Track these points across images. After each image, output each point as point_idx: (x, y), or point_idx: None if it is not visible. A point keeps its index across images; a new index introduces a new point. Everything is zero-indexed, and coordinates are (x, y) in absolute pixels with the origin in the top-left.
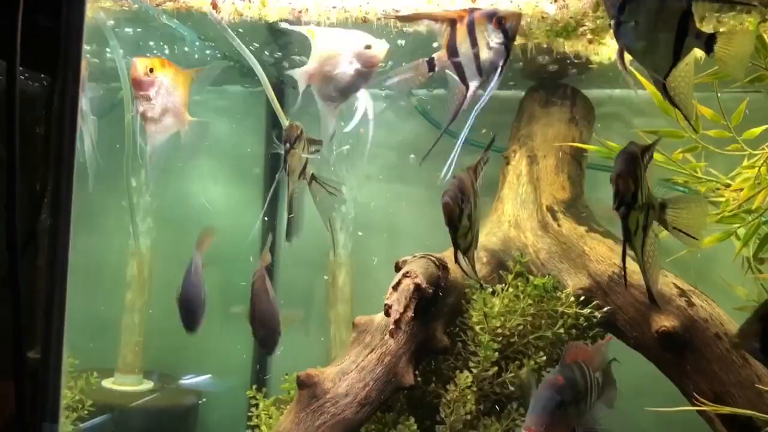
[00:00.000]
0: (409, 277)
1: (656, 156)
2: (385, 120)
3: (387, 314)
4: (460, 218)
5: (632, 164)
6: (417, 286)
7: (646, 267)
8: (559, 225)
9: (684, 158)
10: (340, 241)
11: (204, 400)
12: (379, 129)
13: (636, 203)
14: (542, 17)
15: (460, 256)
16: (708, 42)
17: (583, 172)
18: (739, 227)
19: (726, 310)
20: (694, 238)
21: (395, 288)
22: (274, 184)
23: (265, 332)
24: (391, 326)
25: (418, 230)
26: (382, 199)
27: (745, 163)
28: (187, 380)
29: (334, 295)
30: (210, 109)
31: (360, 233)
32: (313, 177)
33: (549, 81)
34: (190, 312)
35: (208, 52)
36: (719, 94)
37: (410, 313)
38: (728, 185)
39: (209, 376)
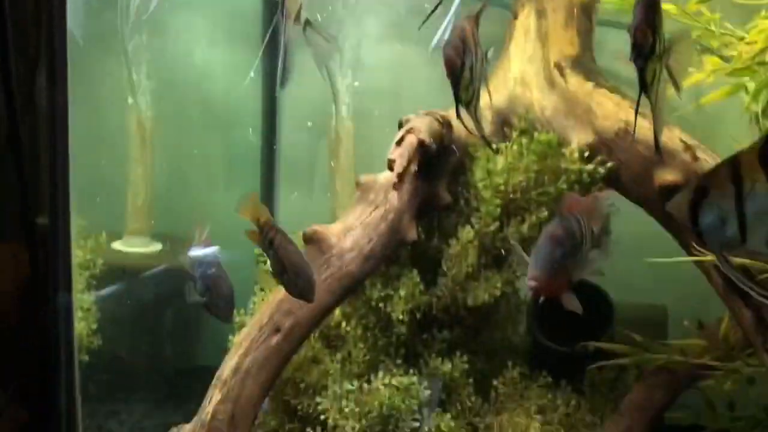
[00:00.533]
0: (412, 132)
1: (669, 7)
2: None
3: (390, 168)
4: (461, 70)
5: (651, 14)
6: (421, 142)
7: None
8: (566, 81)
9: (698, 11)
10: (342, 102)
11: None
12: None
13: (654, 54)
14: None
15: (461, 110)
16: None
17: (593, 26)
18: (749, 80)
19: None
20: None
21: (399, 143)
22: (271, 26)
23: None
24: (395, 180)
25: (421, 91)
26: (385, 59)
27: (763, 13)
28: (195, 253)
29: (336, 155)
30: None
31: (360, 93)
32: (307, 22)
33: None
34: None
35: None
36: None
37: (414, 168)
38: (743, 38)
39: (216, 248)
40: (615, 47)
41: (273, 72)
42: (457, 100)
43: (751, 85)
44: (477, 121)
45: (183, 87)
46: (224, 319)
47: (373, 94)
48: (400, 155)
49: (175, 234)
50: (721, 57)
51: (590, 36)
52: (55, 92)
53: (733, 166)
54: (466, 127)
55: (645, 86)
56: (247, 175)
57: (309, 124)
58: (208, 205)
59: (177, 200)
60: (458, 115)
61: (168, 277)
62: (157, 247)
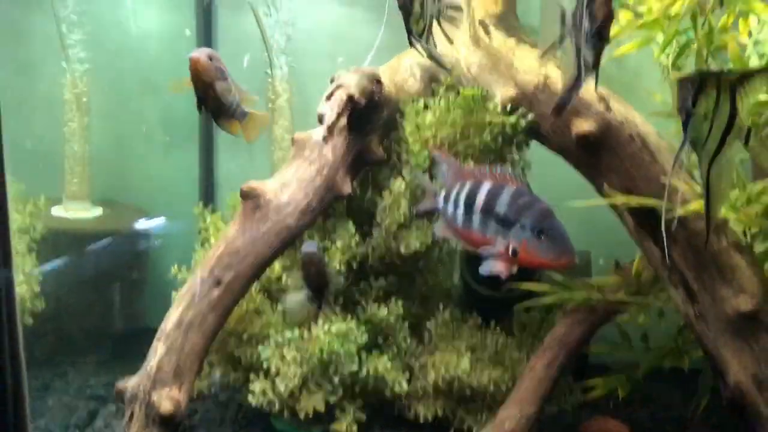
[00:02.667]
0: (342, 87)
1: None
2: None
3: (320, 122)
4: (412, 2)
5: None
6: (350, 97)
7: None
8: (490, 38)
9: None
10: (276, 63)
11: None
12: None
13: None
14: None
15: (415, 41)
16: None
17: None
18: (658, 33)
19: (645, 114)
20: None
21: (328, 98)
22: None
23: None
24: (324, 133)
25: (359, 52)
26: (322, 20)
27: None
28: (141, 223)
29: (274, 115)
30: None
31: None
32: None
33: None
34: None
35: None
36: None
37: (343, 121)
38: None
39: (162, 218)
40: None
41: (207, 34)
42: (409, 32)
43: (660, 38)
44: (430, 50)
45: (119, 51)
46: None
47: (310, 54)
48: (330, 109)
49: (115, 199)
50: (635, 12)
51: None
52: None
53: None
54: (422, 53)
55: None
56: (186, 138)
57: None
58: (147, 170)
59: (116, 165)
60: (411, 45)
61: (116, 243)
62: (97, 212)
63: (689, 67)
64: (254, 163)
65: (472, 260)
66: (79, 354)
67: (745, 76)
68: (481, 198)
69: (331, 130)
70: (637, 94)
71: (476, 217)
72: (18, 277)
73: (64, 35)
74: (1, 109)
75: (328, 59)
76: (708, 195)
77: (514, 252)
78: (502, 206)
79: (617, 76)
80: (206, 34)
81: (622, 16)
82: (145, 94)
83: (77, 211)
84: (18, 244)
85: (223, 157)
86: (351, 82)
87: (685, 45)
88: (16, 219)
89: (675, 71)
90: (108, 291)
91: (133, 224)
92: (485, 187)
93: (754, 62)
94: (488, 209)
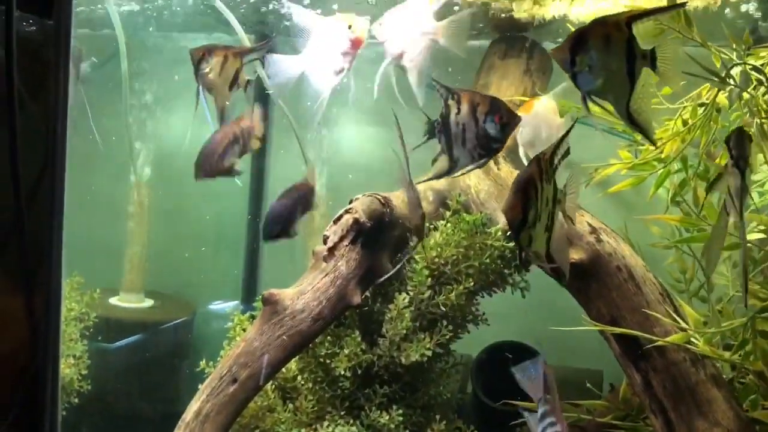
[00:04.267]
0: (349, 212)
1: (592, 107)
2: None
3: (324, 243)
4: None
5: (522, 196)
6: (356, 221)
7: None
8: (499, 169)
9: None
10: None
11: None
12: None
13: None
14: None
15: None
16: (651, 58)
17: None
18: (649, 174)
19: (643, 246)
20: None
21: (336, 221)
22: None
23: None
24: (326, 252)
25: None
26: (358, 142)
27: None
28: (216, 306)
29: (311, 228)
30: None
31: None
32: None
33: (511, 34)
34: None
35: None
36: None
37: (346, 243)
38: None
39: (236, 302)
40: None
41: (261, 149)
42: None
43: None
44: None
45: (179, 160)
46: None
47: (346, 168)
48: (333, 232)
49: (166, 292)
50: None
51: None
52: (55, 154)
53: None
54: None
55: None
56: (234, 242)
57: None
58: (197, 268)
59: (169, 262)
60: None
61: (162, 333)
62: (149, 303)
63: (689, 200)
64: (295, 266)
65: (482, 373)
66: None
67: None
68: None
69: (332, 251)
70: (641, 225)
71: None
72: (68, 360)
73: (133, 144)
74: (70, 206)
75: (364, 174)
76: None
77: None
78: None
79: (635, 203)
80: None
81: (621, 154)
82: (199, 199)
83: (131, 302)
84: (72, 332)
85: (267, 260)
86: (359, 207)
87: (681, 183)
88: (73, 308)
89: (674, 205)
90: (151, 377)
91: (180, 317)
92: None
93: (756, 198)
94: None
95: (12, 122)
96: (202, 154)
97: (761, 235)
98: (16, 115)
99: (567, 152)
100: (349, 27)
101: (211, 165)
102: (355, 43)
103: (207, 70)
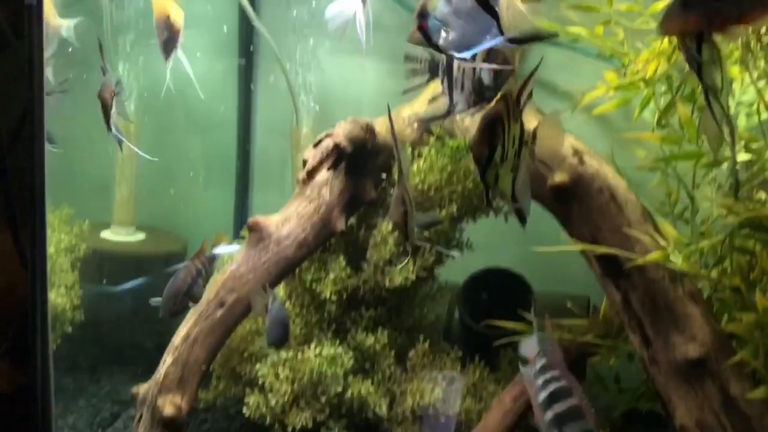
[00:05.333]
0: (330, 137)
1: (580, 30)
2: None
3: (303, 166)
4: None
5: (489, 132)
6: (336, 145)
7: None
8: None
9: (610, 32)
10: (302, 113)
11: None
12: None
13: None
14: None
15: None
16: None
17: (517, 48)
18: (634, 95)
19: (629, 170)
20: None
21: (315, 145)
22: None
23: None
24: (304, 176)
25: (381, 101)
26: (347, 73)
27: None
28: (219, 249)
29: (297, 160)
30: None
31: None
32: None
33: None
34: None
35: None
36: None
37: (326, 167)
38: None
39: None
40: (555, 61)
41: (248, 80)
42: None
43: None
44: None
45: (168, 92)
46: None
47: (336, 102)
48: (312, 156)
49: (156, 226)
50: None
51: (514, 54)
52: (33, 98)
53: None
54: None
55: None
56: (223, 174)
57: None
58: (187, 201)
59: (159, 195)
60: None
61: (154, 266)
62: (140, 236)
63: (674, 125)
64: (285, 198)
65: (468, 298)
66: (116, 364)
67: None
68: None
69: (310, 174)
70: (626, 146)
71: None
72: (59, 290)
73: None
74: (58, 141)
75: (353, 107)
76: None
77: None
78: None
79: (623, 128)
80: (246, 78)
81: (607, 76)
82: (189, 132)
83: (122, 235)
84: (62, 262)
85: (257, 193)
86: (341, 132)
87: (667, 106)
88: (62, 239)
89: (659, 129)
90: (144, 308)
91: (171, 249)
92: (568, 402)
93: (742, 121)
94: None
95: None
96: (166, 295)
97: (747, 156)
98: None
99: (530, 94)
100: None
101: (176, 304)
102: None
103: None
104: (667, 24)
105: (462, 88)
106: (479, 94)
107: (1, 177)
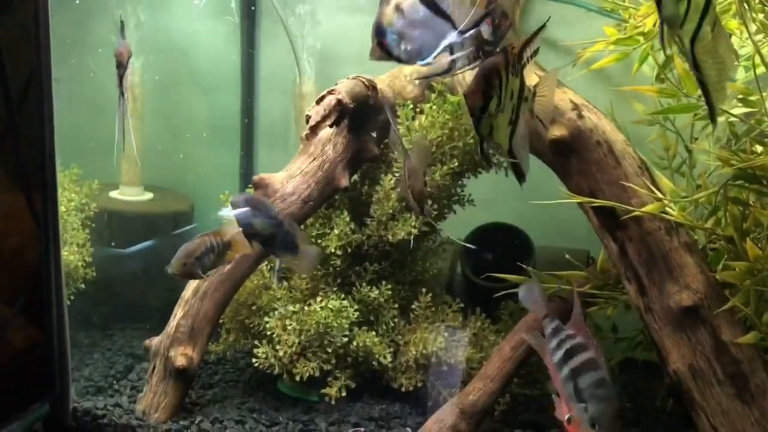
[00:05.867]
0: (333, 93)
1: None
2: None
3: (307, 122)
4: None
5: (484, 83)
6: (338, 101)
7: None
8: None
9: None
10: (306, 69)
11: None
12: None
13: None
14: None
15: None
16: None
17: (519, 1)
18: (633, 49)
19: (628, 124)
20: (545, 127)
21: (318, 102)
22: None
23: None
24: (307, 131)
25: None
26: (348, 30)
27: None
28: (225, 212)
29: (300, 115)
30: None
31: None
32: None
33: None
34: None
35: None
36: None
37: (328, 123)
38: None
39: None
40: (556, 16)
41: (251, 40)
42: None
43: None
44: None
45: (172, 53)
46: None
47: (338, 59)
48: (315, 112)
49: (164, 186)
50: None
51: (515, 9)
52: (39, 60)
53: None
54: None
55: (482, 144)
56: (229, 135)
57: None
58: (194, 162)
59: (166, 156)
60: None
61: (163, 224)
62: (148, 196)
63: (673, 78)
64: (289, 156)
65: (470, 253)
66: (128, 320)
67: None
68: (572, 363)
69: (314, 129)
70: (625, 99)
71: (565, 373)
72: (71, 248)
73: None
74: (66, 103)
75: (356, 64)
76: (699, 75)
77: (569, 419)
78: (583, 383)
79: (623, 83)
80: (248, 38)
81: (606, 31)
82: (194, 93)
83: (131, 195)
84: (73, 221)
85: (262, 152)
86: (343, 88)
87: (666, 60)
88: (72, 199)
89: (658, 83)
90: (155, 267)
91: (179, 208)
92: (583, 356)
93: (741, 73)
94: (575, 377)
95: None
96: (179, 254)
97: (745, 109)
98: None
99: (536, 51)
100: None
101: (185, 266)
102: None
103: None
104: None
105: (462, 44)
106: (479, 49)
107: (13, 138)
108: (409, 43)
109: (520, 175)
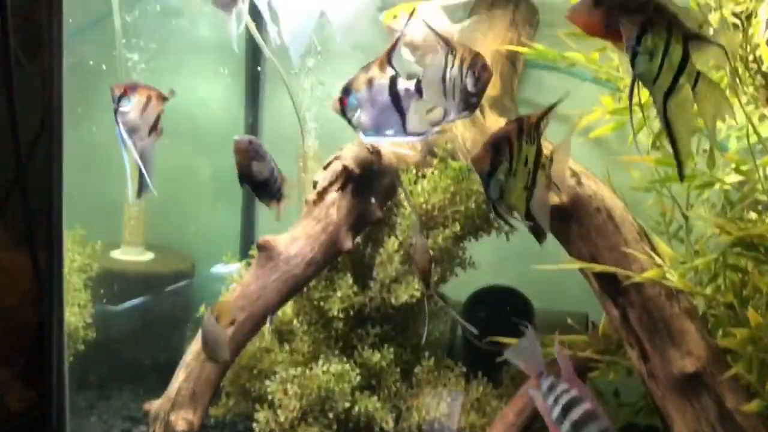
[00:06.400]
0: (339, 159)
1: (577, 56)
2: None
3: (314, 188)
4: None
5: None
6: (345, 167)
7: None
8: (484, 118)
9: (606, 56)
10: (310, 133)
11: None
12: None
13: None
14: None
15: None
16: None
17: (516, 71)
18: (627, 120)
19: (625, 190)
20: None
21: (325, 168)
22: None
23: None
24: (314, 197)
25: None
26: None
27: None
28: (219, 269)
29: (304, 178)
30: None
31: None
32: None
33: None
34: None
35: None
36: None
37: (335, 188)
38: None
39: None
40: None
41: (255, 102)
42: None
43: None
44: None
45: (177, 114)
46: None
47: (339, 121)
48: (323, 178)
49: (166, 245)
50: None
51: (513, 79)
52: (52, 125)
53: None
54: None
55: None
56: (231, 193)
57: None
58: (195, 221)
59: (168, 216)
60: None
61: (162, 284)
62: (149, 256)
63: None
64: (290, 216)
65: (472, 316)
66: (125, 381)
67: (694, 37)
68: (572, 416)
69: (321, 195)
70: (622, 167)
71: (565, 428)
72: (72, 309)
73: None
74: (70, 162)
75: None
76: (670, 131)
77: None
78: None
79: (619, 151)
80: (254, 103)
81: (603, 100)
82: (197, 152)
83: (132, 255)
84: (76, 282)
85: (262, 213)
86: (349, 154)
87: (661, 129)
88: (75, 260)
89: (654, 151)
90: (154, 326)
91: (180, 267)
92: (581, 408)
93: (733, 144)
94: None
95: (9, 82)
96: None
97: (738, 177)
98: (13, 76)
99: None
100: None
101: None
102: None
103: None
104: (573, 14)
105: (453, 97)
106: (465, 101)
107: (21, 194)
108: (364, 113)
109: (540, 235)
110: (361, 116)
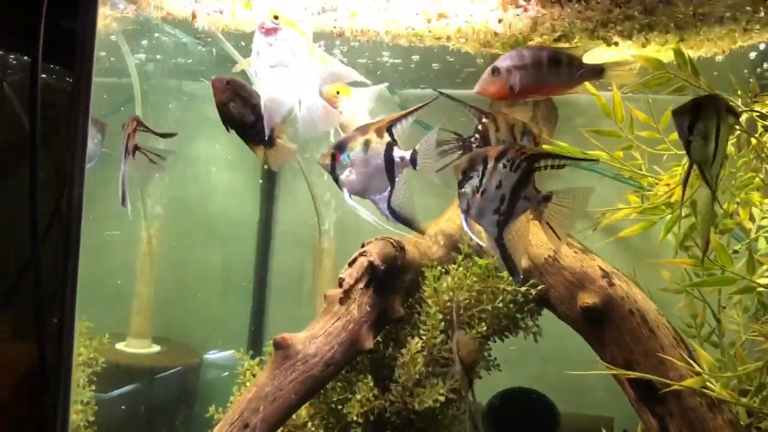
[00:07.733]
0: (364, 255)
1: (600, 154)
2: None
3: (340, 285)
4: None
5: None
6: (370, 264)
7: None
8: None
9: (629, 155)
10: (326, 227)
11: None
12: None
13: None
14: (495, 33)
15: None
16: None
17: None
18: (659, 218)
19: (653, 289)
20: (558, 237)
21: (351, 264)
22: None
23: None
24: (341, 295)
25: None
26: None
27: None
28: (212, 355)
29: (319, 273)
30: None
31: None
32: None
33: None
34: None
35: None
36: (650, 99)
37: (361, 285)
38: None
39: (233, 351)
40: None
41: (270, 194)
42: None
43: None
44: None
45: (190, 204)
46: None
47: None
48: (349, 275)
49: (173, 337)
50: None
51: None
52: (70, 217)
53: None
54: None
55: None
56: (241, 285)
57: None
58: (204, 313)
59: (176, 307)
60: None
61: (168, 379)
62: (155, 348)
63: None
64: (301, 310)
65: (494, 419)
66: None
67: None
68: None
69: (348, 293)
70: (648, 267)
71: None
72: (75, 406)
73: (146, 196)
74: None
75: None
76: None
77: None
78: None
79: (644, 248)
80: (269, 190)
81: (630, 199)
82: (209, 243)
83: (138, 348)
84: (80, 377)
85: (273, 306)
86: (374, 250)
87: (690, 228)
88: (81, 353)
89: (683, 250)
90: (159, 422)
91: (186, 362)
92: None
93: (763, 244)
94: None
95: (33, 174)
96: None
97: None
98: (37, 168)
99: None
100: None
101: None
102: None
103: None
104: (480, 86)
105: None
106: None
107: (35, 283)
108: (354, 173)
109: (514, 271)
110: (351, 175)
